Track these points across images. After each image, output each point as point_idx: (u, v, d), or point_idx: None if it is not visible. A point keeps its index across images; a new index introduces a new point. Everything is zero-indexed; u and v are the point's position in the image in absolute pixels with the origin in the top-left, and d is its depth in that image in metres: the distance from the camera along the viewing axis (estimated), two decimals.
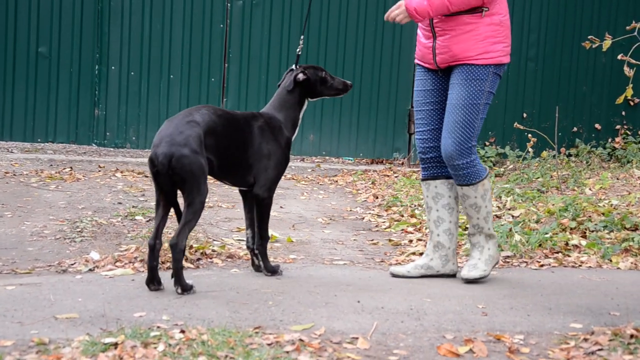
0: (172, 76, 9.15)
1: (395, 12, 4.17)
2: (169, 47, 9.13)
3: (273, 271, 4.28)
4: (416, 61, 4.44)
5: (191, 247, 4.53)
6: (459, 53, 4.17)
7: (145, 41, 9.09)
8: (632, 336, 3.20)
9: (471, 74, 4.17)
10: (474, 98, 4.17)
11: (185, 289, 3.79)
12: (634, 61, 5.16)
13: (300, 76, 4.26)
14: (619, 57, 5.16)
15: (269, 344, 3.09)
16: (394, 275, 4.39)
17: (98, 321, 3.29)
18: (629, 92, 5.22)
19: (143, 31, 9.08)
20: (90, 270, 4.21)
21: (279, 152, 4.15)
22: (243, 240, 5.22)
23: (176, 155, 3.71)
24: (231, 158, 4.02)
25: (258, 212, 4.20)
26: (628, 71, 5.24)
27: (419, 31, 4.40)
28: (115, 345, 2.96)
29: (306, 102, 4.34)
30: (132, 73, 9.08)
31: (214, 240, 5.09)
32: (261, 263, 4.28)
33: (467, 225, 4.45)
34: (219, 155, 3.94)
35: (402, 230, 5.82)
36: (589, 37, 5.55)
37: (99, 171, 7.80)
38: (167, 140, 3.75)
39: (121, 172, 7.79)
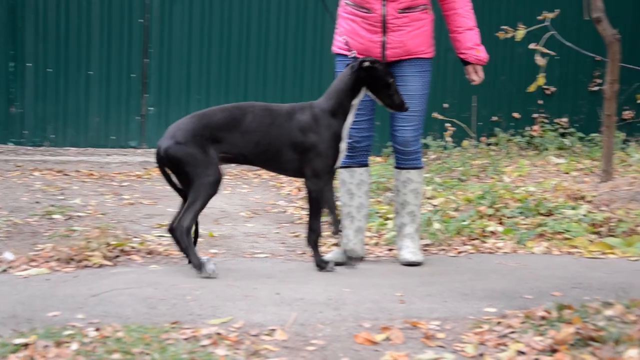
0: (91, 72, 9.00)
1: (482, 74, 4.56)
2: (87, 43, 8.97)
3: (320, 266, 4.28)
4: (349, 54, 4.31)
5: (109, 244, 4.46)
6: (412, 48, 4.41)
7: (62, 37, 8.91)
8: (542, 318, 3.28)
9: (423, 67, 4.47)
10: (426, 89, 4.48)
11: (196, 265, 4.02)
12: (545, 50, 5.29)
13: (367, 63, 4.15)
14: (530, 46, 5.29)
15: (185, 339, 3.07)
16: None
17: (9, 322, 3.22)
18: (541, 80, 5.35)
19: (59, 27, 8.90)
20: (3, 271, 4.11)
21: (324, 144, 4.14)
22: (164, 236, 5.17)
23: (163, 147, 4.04)
24: (268, 152, 4.13)
25: (308, 204, 4.29)
26: (540, 60, 5.36)
27: (354, 25, 4.37)
28: (27, 345, 2.90)
29: (362, 92, 4.21)
30: (49, 70, 8.89)
31: (134, 237, 5.03)
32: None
33: (398, 214, 4.51)
34: (248, 149, 4.10)
35: (325, 222, 5.83)
36: (503, 27, 5.65)
37: (16, 170, 7.62)
38: (164, 134, 4.10)
39: (40, 170, 7.63)
